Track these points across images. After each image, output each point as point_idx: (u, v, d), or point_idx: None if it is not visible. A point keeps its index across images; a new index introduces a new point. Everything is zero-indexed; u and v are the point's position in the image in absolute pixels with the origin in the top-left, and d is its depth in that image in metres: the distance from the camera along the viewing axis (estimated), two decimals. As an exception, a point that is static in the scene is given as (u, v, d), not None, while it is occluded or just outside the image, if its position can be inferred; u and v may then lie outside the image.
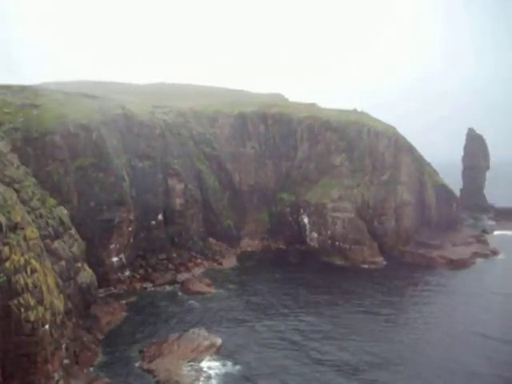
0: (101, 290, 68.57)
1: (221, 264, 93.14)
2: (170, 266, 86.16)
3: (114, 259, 76.30)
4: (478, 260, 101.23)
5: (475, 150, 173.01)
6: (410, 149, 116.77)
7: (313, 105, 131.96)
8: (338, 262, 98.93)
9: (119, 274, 77.04)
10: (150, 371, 50.05)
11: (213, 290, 77.83)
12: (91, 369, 49.92)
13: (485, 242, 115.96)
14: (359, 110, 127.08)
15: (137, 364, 51.92)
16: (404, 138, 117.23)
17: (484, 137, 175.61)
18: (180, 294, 76.56)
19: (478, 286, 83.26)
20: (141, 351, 54.34)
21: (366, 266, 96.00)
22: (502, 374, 50.72)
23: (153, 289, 78.13)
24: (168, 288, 78.81)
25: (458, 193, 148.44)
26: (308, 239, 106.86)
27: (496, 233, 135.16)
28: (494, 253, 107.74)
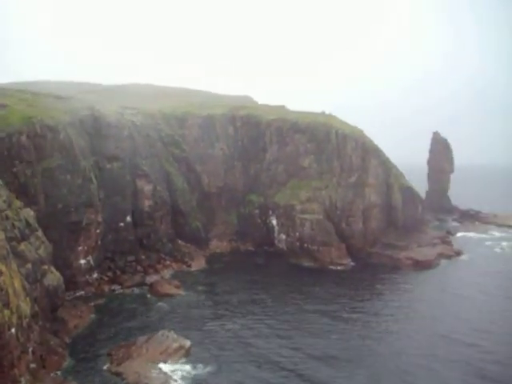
0: (68, 293, 67.80)
1: (190, 266, 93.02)
2: (139, 268, 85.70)
3: (82, 261, 75.56)
4: (443, 261, 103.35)
5: (440, 152, 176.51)
6: (377, 151, 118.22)
7: (281, 107, 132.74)
8: (306, 263, 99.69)
9: (87, 277, 76.31)
10: (118, 374, 49.73)
11: (182, 292, 77.64)
12: (58, 373, 49.31)
13: (449, 243, 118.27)
14: (327, 112, 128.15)
15: (105, 367, 51.49)
16: (371, 141, 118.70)
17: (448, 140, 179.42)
18: (149, 296, 76.18)
19: (441, 287, 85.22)
20: (109, 354, 53.94)
21: (333, 268, 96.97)
22: (456, 373, 51.97)
23: (121, 291, 77.51)
24: (136, 290, 78.32)
25: (423, 195, 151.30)
26: (276, 241, 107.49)
27: (460, 234, 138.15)
28: (458, 254, 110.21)
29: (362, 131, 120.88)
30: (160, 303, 72.55)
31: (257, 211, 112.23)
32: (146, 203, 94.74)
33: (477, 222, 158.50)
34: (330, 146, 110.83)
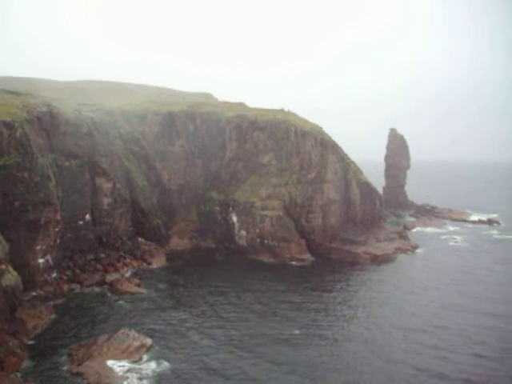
0: (27, 293, 67.00)
1: (150, 264, 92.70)
2: (99, 266, 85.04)
3: (40, 261, 74.39)
4: (400, 255, 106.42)
5: (397, 149, 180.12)
6: (336, 148, 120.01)
7: (241, 104, 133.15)
8: (267, 259, 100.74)
9: (46, 276, 75.25)
10: (78, 374, 49.57)
11: (142, 290, 77.48)
12: (18, 374, 48.85)
13: (406, 238, 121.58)
14: (286, 109, 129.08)
15: (65, 368, 51.19)
16: (330, 137, 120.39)
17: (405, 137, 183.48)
18: (109, 294, 75.72)
19: (397, 281, 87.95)
20: (69, 354, 53.63)
21: (293, 263, 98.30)
22: (410, 362, 53.93)
23: (81, 290, 76.83)
24: (96, 289, 77.72)
25: (381, 191, 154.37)
26: (237, 237, 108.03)
27: (416, 229, 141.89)
28: (415, 248, 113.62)
29: (321, 128, 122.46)
30: (120, 302, 72.34)
31: (217, 208, 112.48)
32: (106, 201, 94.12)
33: (432, 217, 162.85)
34: (290, 143, 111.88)
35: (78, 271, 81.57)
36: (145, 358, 53.85)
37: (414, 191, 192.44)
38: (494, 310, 70.80)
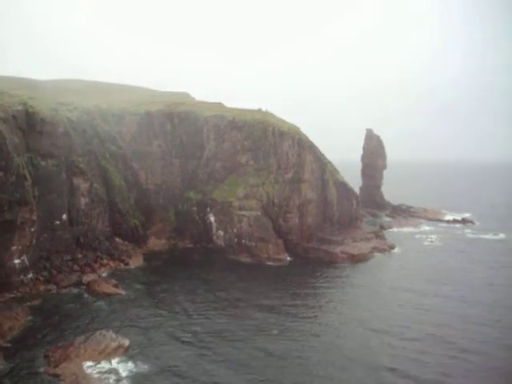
0: (2, 294, 66.64)
1: (127, 264, 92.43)
2: (76, 267, 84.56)
3: (16, 261, 73.90)
4: (377, 255, 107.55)
5: (373, 149, 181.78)
6: (312, 147, 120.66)
7: (219, 104, 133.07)
8: (244, 259, 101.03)
9: (22, 277, 74.75)
10: (55, 376, 49.41)
11: (120, 291, 77.18)
12: (-6, 376, 48.57)
13: (382, 238, 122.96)
14: (264, 109, 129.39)
15: (42, 369, 50.89)
16: (307, 137, 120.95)
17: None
18: (86, 295, 75.33)
19: (374, 280, 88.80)
20: (46, 356, 53.24)
21: (271, 263, 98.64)
22: (381, 362, 54.47)
23: (58, 291, 76.29)
24: (73, 290, 77.22)
25: (357, 190, 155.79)
26: (214, 237, 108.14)
27: (392, 229, 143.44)
28: (391, 247, 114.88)
29: (298, 128, 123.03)
30: (98, 302, 72.03)
31: (195, 208, 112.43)
32: (83, 201, 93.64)
33: (408, 217, 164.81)
34: (267, 143, 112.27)
35: (54, 272, 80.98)
36: (122, 358, 53.76)
37: (399, 191, 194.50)
38: (465, 311, 71.51)
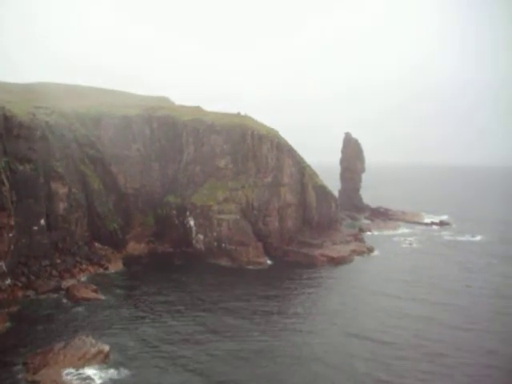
0: (-20, 301, 65.76)
1: (107, 269, 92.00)
2: (54, 272, 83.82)
3: (-6, 267, 73.18)
4: (356, 257, 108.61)
5: (352, 152, 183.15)
6: (291, 151, 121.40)
7: (198, 108, 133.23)
8: (224, 263, 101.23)
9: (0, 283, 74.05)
10: (34, 383, 49.03)
11: (99, 296, 76.80)
12: (-28, 384, 48.10)
13: (361, 240, 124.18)
14: (243, 113, 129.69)
15: (20, 376, 50.46)
16: (286, 141, 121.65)
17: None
18: (65, 301, 74.77)
19: (353, 284, 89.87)
20: (25, 363, 52.67)
21: (251, 267, 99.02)
22: (356, 367, 54.72)
23: (36, 297, 75.60)
24: (52, 295, 76.63)
25: (337, 194, 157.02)
26: (194, 241, 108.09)
27: (371, 231, 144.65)
28: (370, 250, 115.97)
29: (277, 132, 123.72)
30: (77, 308, 71.61)
31: (174, 212, 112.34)
32: (61, 206, 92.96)
33: (387, 220, 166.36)
34: (246, 147, 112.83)
35: (32, 277, 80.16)
36: (102, 364, 53.49)
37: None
38: (442, 314, 72.45)
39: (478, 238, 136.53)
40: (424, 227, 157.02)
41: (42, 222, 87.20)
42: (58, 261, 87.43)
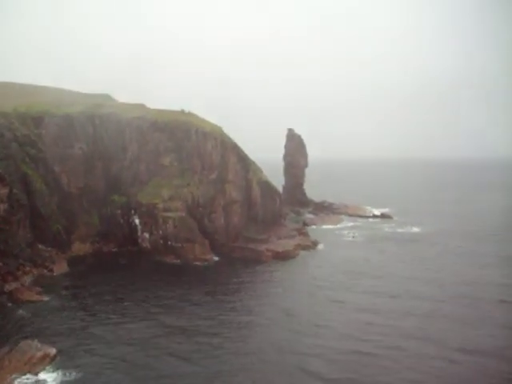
0: None
1: (51, 270, 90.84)
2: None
3: None
4: (301, 252, 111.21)
5: (294, 148, 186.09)
6: (236, 148, 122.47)
7: (141, 105, 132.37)
8: (171, 260, 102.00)
9: None
10: (-21, 390, 48.61)
11: (44, 298, 76.15)
12: None
13: (306, 235, 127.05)
14: (187, 110, 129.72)
15: (-36, 384, 49.98)
16: (230, 138, 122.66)
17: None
18: (9, 304, 73.57)
19: (298, 278, 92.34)
20: (-31, 369, 52.22)
21: (198, 264, 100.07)
22: (295, 363, 55.90)
23: (-22, 301, 74.28)
24: (-5, 299, 75.49)
25: (281, 189, 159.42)
26: (140, 240, 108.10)
27: (315, 225, 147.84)
28: (315, 244, 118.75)
29: (221, 129, 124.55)
30: (21, 311, 70.66)
31: (119, 211, 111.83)
32: (2, 207, 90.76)
33: (330, 214, 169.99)
34: (190, 144, 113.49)
35: (-27, 282, 78.60)
36: (49, 368, 53.29)
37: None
38: (380, 305, 74.99)
39: (416, 229, 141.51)
40: (366, 220, 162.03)
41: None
42: (0, 264, 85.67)
